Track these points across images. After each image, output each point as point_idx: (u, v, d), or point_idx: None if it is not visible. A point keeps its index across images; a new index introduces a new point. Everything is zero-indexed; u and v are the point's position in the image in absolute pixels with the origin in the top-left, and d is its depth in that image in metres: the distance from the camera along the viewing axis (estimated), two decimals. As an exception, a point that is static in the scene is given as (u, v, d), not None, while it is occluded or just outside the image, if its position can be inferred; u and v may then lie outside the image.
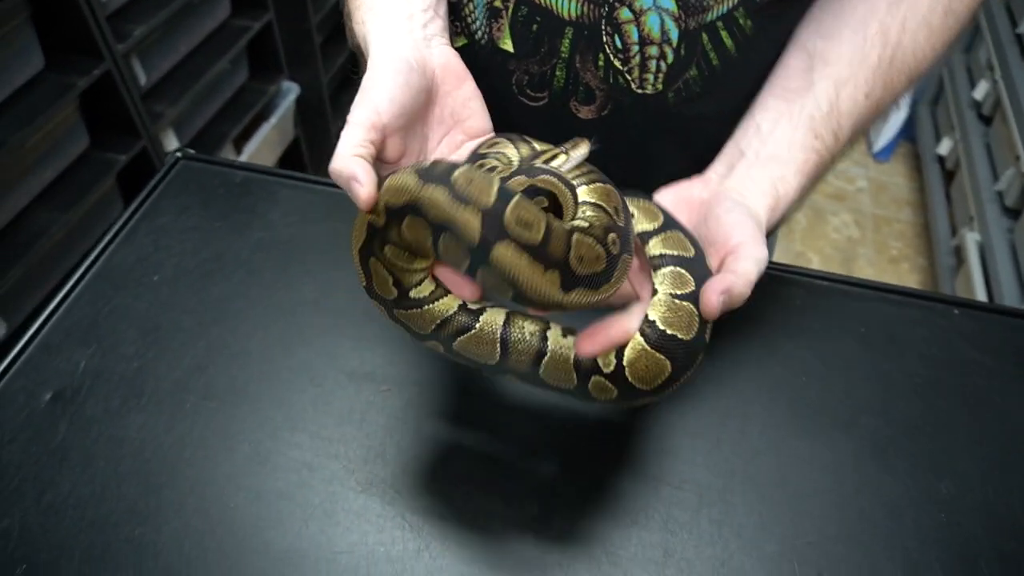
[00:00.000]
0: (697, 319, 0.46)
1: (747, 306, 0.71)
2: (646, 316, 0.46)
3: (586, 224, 0.44)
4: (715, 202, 0.51)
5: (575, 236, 0.42)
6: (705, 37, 0.57)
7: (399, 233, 0.43)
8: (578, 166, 0.50)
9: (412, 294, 0.47)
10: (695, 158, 0.66)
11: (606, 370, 0.46)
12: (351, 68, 0.54)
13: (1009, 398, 0.65)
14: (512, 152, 0.50)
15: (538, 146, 0.51)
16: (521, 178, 0.44)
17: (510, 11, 0.59)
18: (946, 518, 0.57)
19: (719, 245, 0.48)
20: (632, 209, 0.50)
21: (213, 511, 0.56)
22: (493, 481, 0.58)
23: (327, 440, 0.60)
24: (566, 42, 0.58)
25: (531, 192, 0.44)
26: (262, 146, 2.01)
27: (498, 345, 0.47)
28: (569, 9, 0.57)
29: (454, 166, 0.41)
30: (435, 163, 0.42)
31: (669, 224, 0.50)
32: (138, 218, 0.78)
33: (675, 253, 0.48)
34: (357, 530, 0.55)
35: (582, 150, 0.50)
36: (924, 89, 2.54)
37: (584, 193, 0.46)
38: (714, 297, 0.44)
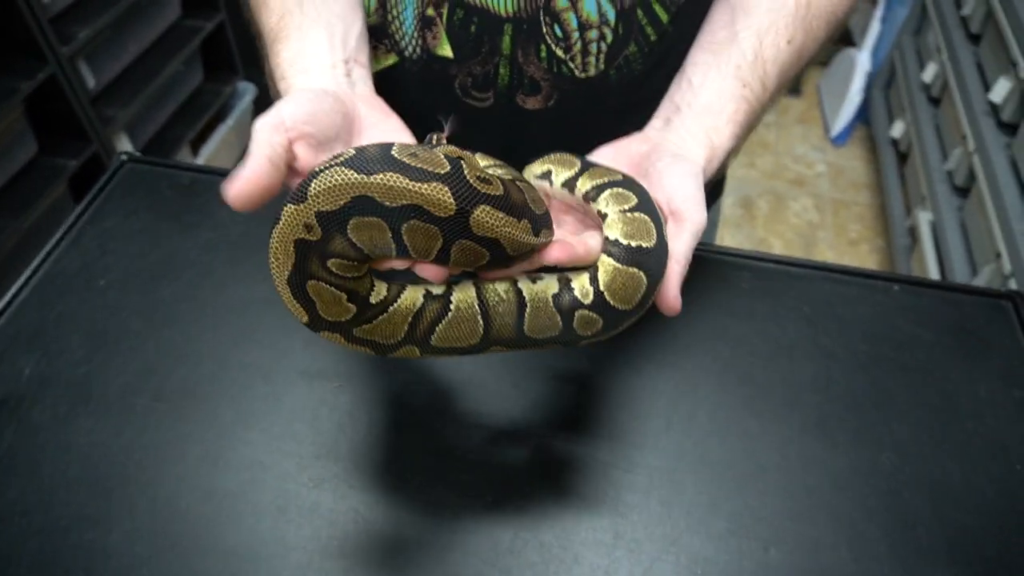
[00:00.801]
0: (653, 226, 0.45)
1: (697, 291, 0.72)
2: (607, 237, 0.45)
3: (511, 176, 0.44)
4: (655, 155, 0.50)
5: (520, 183, 0.42)
6: (640, 12, 0.58)
7: (344, 241, 0.38)
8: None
9: (372, 299, 0.43)
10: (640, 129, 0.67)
11: (587, 301, 0.44)
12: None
13: (946, 370, 0.67)
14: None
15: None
16: (450, 147, 0.42)
17: (444, 17, 0.59)
18: (888, 488, 0.59)
19: (661, 203, 0.48)
20: (547, 166, 0.50)
21: (165, 512, 0.56)
22: (444, 472, 0.59)
23: (279, 438, 0.60)
24: (506, 39, 0.59)
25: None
26: (220, 148, 1.99)
27: (480, 319, 0.45)
28: (505, 6, 0.57)
29: (386, 146, 0.37)
30: (359, 151, 0.38)
31: (586, 165, 0.50)
32: (84, 222, 0.77)
33: (604, 180, 0.47)
34: (310, 526, 0.55)
35: (443, 136, 0.49)
36: (878, 73, 2.59)
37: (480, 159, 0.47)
38: (674, 298, 0.45)
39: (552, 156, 0.51)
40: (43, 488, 0.57)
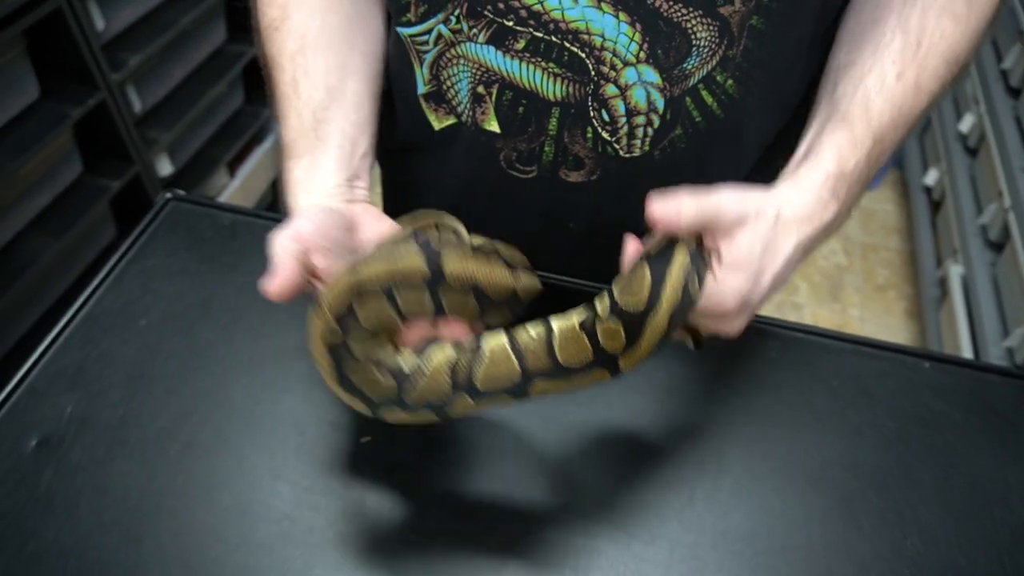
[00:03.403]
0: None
1: (723, 358, 0.73)
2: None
3: (493, 248, 0.50)
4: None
5: (497, 246, 0.49)
6: (688, 100, 0.59)
7: (358, 325, 0.47)
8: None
9: (407, 369, 0.48)
10: None
11: (604, 313, 0.46)
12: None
13: (975, 453, 0.67)
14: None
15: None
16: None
17: (494, 96, 0.60)
18: (911, 575, 0.59)
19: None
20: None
21: (194, 562, 0.57)
22: (470, 535, 0.59)
23: (308, 491, 0.62)
24: (553, 121, 0.60)
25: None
26: (256, 169, 2.03)
27: (513, 356, 0.47)
28: (554, 91, 0.59)
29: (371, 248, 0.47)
30: (356, 261, 0.47)
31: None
32: (128, 260, 0.80)
33: None
34: (335, 584, 0.56)
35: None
36: (912, 118, 2.58)
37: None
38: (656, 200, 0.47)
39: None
40: (79, 531, 0.59)
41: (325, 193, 0.56)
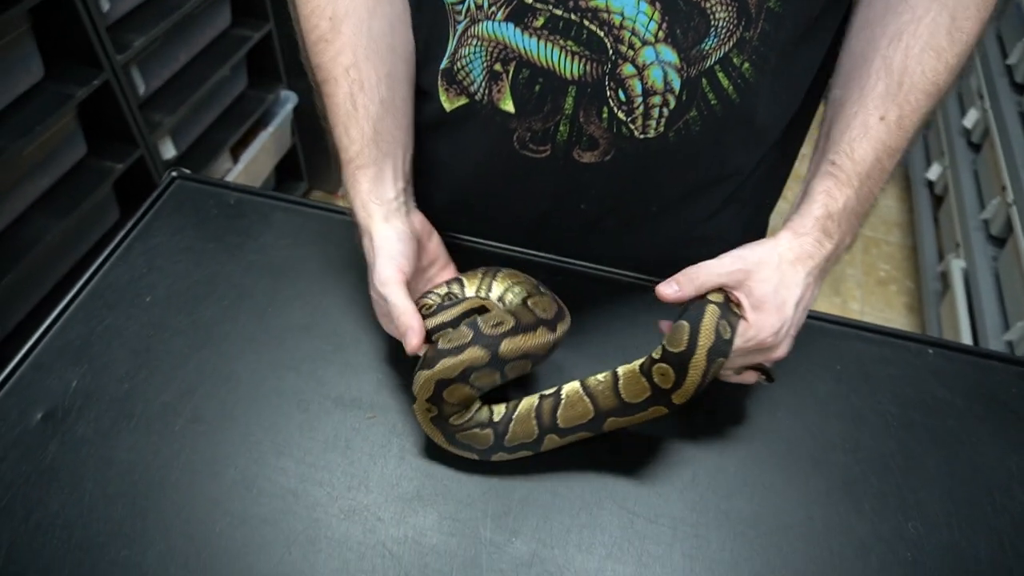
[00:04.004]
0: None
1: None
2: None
3: (525, 293, 0.62)
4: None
5: (528, 301, 0.59)
6: (705, 81, 0.59)
7: (449, 404, 0.57)
8: (477, 273, 0.66)
9: (496, 418, 0.60)
10: (691, 183, 0.68)
11: (657, 356, 0.55)
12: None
13: (977, 440, 0.67)
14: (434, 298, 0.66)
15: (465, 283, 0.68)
16: (453, 310, 0.61)
17: (510, 74, 0.60)
18: (912, 558, 0.59)
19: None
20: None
21: (198, 535, 0.57)
22: (474, 512, 0.60)
23: (312, 466, 0.62)
24: (569, 100, 0.60)
25: (465, 314, 0.61)
26: (259, 154, 2.02)
27: (586, 398, 0.58)
28: (572, 69, 0.58)
29: (434, 343, 0.57)
30: (426, 353, 0.57)
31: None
32: (133, 238, 0.80)
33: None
34: (339, 557, 0.57)
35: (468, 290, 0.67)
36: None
37: (498, 285, 0.65)
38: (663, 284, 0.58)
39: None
40: (84, 502, 0.59)
41: (389, 206, 0.64)
